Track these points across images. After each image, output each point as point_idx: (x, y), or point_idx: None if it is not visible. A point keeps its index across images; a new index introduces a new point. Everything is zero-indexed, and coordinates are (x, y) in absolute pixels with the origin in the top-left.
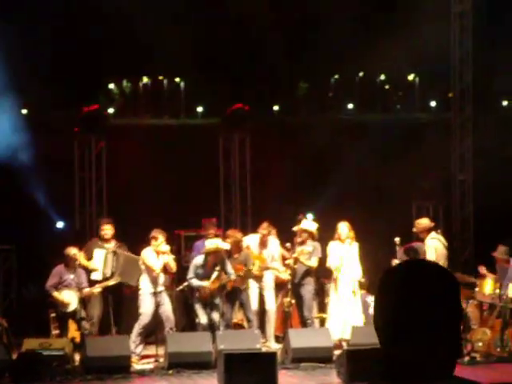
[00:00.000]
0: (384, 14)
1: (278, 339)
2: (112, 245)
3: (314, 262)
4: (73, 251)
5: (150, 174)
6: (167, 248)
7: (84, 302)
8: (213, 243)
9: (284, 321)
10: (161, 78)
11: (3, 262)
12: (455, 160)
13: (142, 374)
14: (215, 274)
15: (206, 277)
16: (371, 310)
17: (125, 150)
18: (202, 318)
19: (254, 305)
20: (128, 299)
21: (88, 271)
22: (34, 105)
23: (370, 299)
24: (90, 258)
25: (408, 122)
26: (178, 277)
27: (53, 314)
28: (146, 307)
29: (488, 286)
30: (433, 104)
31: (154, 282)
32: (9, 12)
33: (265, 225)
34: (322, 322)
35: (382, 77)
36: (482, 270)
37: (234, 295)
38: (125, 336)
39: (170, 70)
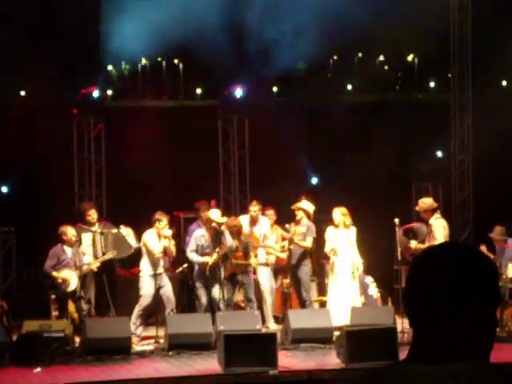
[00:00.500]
0: None
1: (277, 320)
2: (96, 227)
3: (308, 243)
4: (69, 229)
5: (148, 155)
6: (169, 233)
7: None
8: (217, 214)
9: (284, 302)
10: (159, 59)
11: (3, 245)
12: (454, 140)
13: (142, 355)
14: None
15: (207, 248)
16: (370, 291)
17: (123, 133)
18: (203, 299)
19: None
20: (122, 280)
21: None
22: (33, 87)
23: (369, 280)
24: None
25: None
26: (177, 258)
27: (53, 296)
28: (146, 289)
29: None
30: (432, 85)
31: (154, 264)
32: None
33: (254, 202)
34: (322, 305)
35: (381, 57)
36: (483, 249)
37: (235, 275)
38: (125, 317)
39: (168, 52)
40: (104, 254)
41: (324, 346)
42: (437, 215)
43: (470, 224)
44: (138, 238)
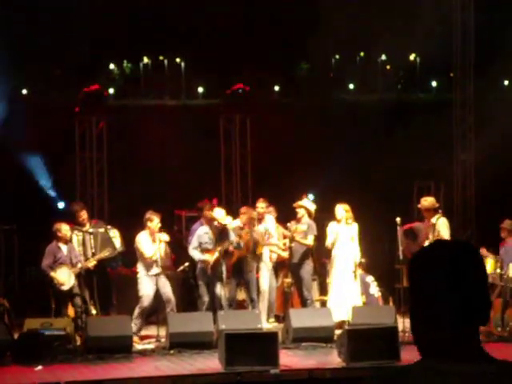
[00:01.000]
0: None
1: (278, 319)
2: (87, 227)
3: (310, 241)
4: (63, 226)
5: (150, 154)
6: (166, 238)
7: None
8: (221, 214)
9: (285, 301)
10: (161, 58)
11: (5, 242)
12: (457, 140)
13: (143, 353)
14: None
15: (210, 244)
16: (371, 290)
17: (125, 131)
18: (205, 297)
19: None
20: (124, 279)
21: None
22: (35, 85)
23: (370, 279)
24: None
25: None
26: (179, 257)
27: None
28: (145, 290)
29: (488, 266)
30: (434, 84)
31: (150, 265)
32: None
33: (261, 199)
34: (323, 304)
35: (383, 57)
36: (483, 251)
37: (239, 274)
38: (126, 316)
39: (170, 50)
40: (94, 254)
41: (325, 345)
42: (438, 215)
43: (471, 224)
44: (133, 240)
